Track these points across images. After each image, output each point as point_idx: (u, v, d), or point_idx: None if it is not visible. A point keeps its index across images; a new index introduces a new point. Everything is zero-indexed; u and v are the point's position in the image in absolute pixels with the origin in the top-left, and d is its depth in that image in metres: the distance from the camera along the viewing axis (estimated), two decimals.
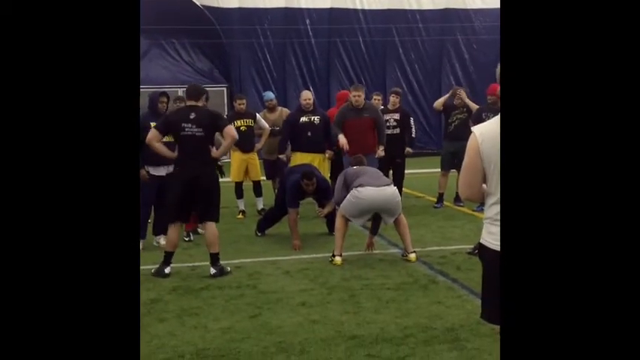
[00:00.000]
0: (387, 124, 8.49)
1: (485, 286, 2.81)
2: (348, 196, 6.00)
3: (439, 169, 9.18)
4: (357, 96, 8.02)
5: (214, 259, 5.66)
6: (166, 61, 16.20)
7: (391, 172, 8.55)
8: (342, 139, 7.90)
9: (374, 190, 5.91)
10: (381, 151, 8.06)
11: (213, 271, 5.61)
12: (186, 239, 7.04)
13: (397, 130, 8.68)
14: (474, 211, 8.33)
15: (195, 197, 5.59)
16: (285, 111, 9.15)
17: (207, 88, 6.82)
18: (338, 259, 5.97)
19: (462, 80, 16.47)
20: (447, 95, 9.27)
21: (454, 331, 4.17)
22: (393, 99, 8.87)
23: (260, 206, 8.66)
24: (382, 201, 5.95)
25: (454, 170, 8.97)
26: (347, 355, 3.84)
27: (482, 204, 8.70)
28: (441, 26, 16.66)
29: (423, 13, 16.62)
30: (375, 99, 9.10)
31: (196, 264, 6.06)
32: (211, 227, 5.68)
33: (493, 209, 2.75)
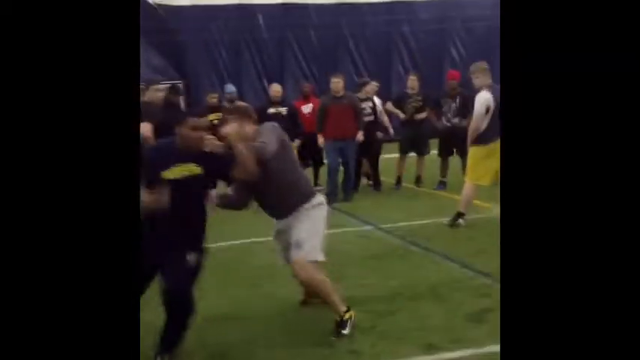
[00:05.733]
0: (364, 111, 8.96)
1: None
2: None
3: (395, 155, 9.74)
4: (335, 82, 8.53)
5: None
6: None
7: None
8: (320, 140, 8.57)
9: None
10: (360, 136, 8.60)
11: None
12: None
13: (372, 117, 9.21)
14: (433, 189, 8.96)
15: None
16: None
17: (163, 85, 7.20)
18: None
19: (411, 70, 17.11)
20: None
21: (436, 289, 4.73)
22: (366, 88, 9.36)
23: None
24: None
25: (412, 154, 9.57)
26: None
27: (442, 183, 9.69)
28: (390, 19, 17.28)
29: (372, 7, 17.22)
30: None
31: None
32: None
33: None
